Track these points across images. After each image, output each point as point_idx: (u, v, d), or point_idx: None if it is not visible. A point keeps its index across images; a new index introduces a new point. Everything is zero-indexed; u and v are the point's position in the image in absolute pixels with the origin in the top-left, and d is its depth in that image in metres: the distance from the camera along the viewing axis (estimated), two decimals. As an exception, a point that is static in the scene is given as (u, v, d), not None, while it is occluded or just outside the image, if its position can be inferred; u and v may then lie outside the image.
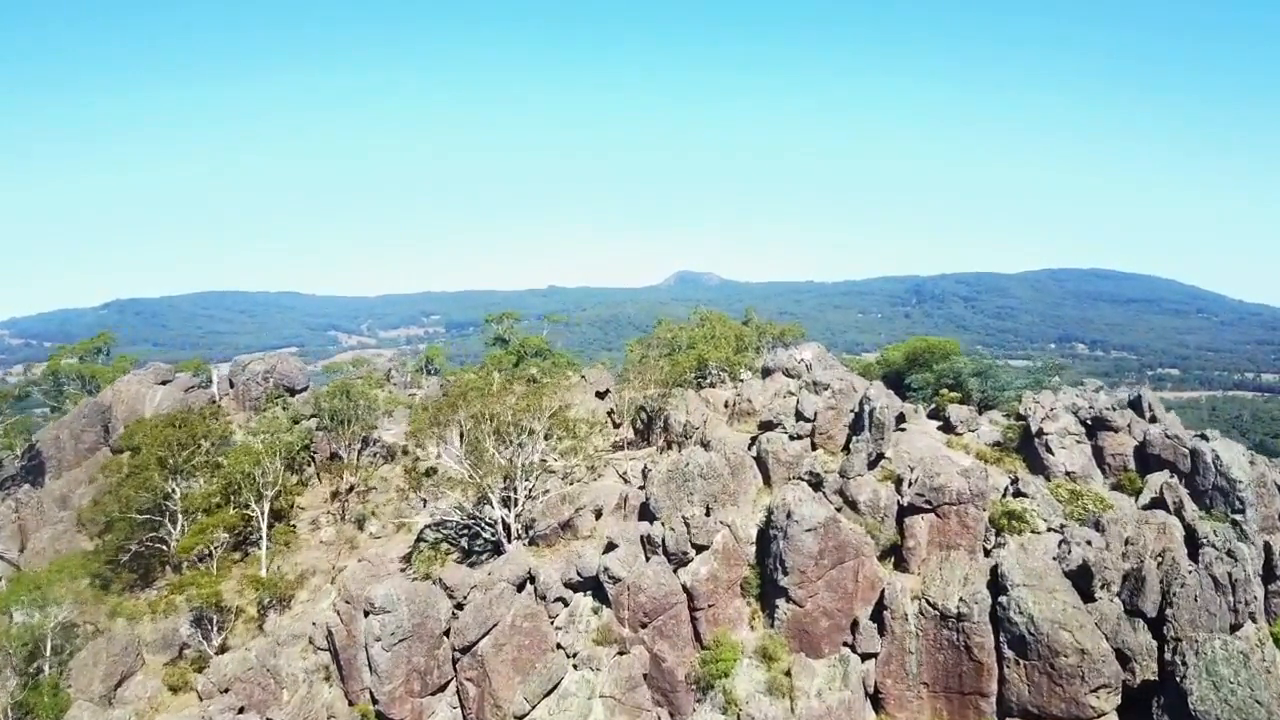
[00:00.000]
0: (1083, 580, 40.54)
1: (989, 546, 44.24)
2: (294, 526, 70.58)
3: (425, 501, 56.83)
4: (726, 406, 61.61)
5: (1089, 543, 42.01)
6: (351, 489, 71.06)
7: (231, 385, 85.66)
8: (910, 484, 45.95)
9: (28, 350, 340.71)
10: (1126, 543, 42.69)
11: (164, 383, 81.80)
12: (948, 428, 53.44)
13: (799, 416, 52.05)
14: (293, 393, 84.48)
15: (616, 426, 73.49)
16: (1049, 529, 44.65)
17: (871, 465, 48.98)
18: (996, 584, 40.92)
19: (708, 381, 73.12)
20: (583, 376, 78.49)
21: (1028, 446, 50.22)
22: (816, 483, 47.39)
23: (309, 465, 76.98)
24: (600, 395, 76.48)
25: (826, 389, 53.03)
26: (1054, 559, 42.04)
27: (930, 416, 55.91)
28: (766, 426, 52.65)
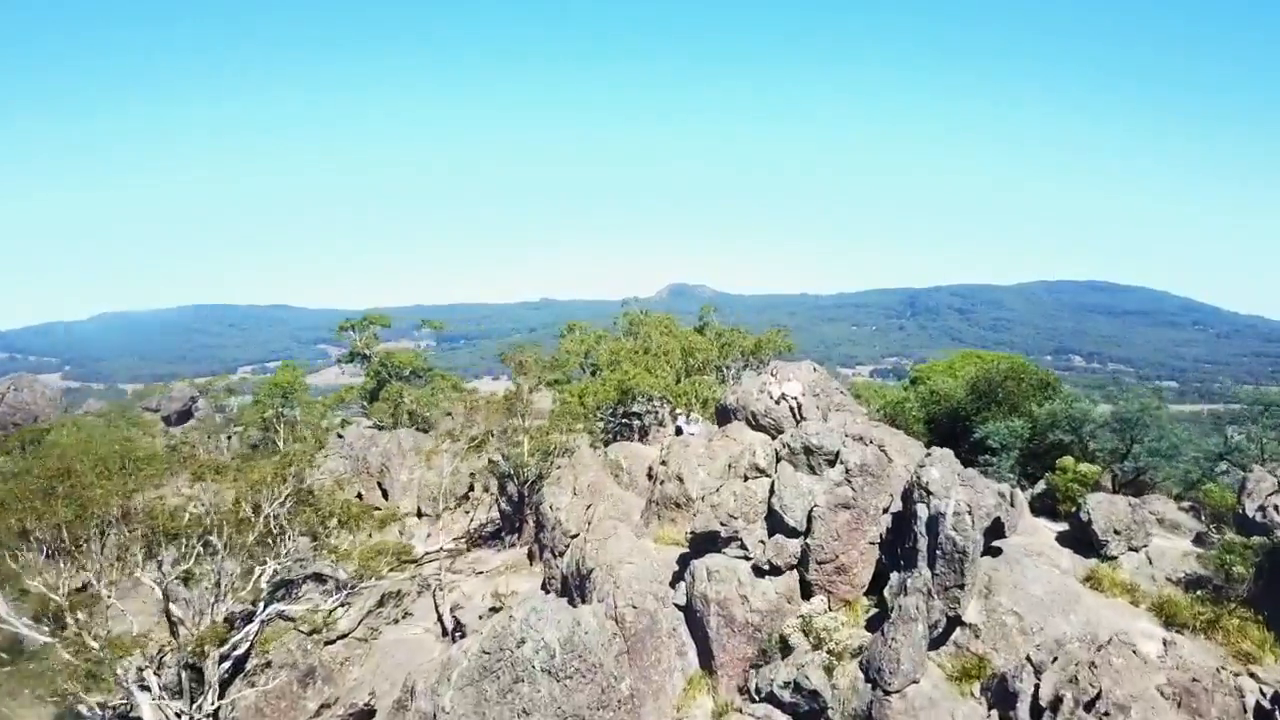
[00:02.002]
0: None
1: None
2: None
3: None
4: (651, 479, 34.15)
5: None
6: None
7: (-59, 424, 57.70)
8: (1040, 709, 18.78)
9: (13, 364, 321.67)
10: None
11: None
12: (1084, 541, 25.97)
13: (775, 523, 24.66)
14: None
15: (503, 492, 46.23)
16: None
17: (937, 642, 21.77)
18: None
19: (641, 425, 45.95)
20: (448, 414, 50.99)
21: (1275, 592, 23.08)
22: (812, 711, 19.96)
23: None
24: (473, 445, 48.99)
25: (833, 462, 25.56)
26: None
27: (1038, 511, 28.25)
28: (707, 541, 25.13)
